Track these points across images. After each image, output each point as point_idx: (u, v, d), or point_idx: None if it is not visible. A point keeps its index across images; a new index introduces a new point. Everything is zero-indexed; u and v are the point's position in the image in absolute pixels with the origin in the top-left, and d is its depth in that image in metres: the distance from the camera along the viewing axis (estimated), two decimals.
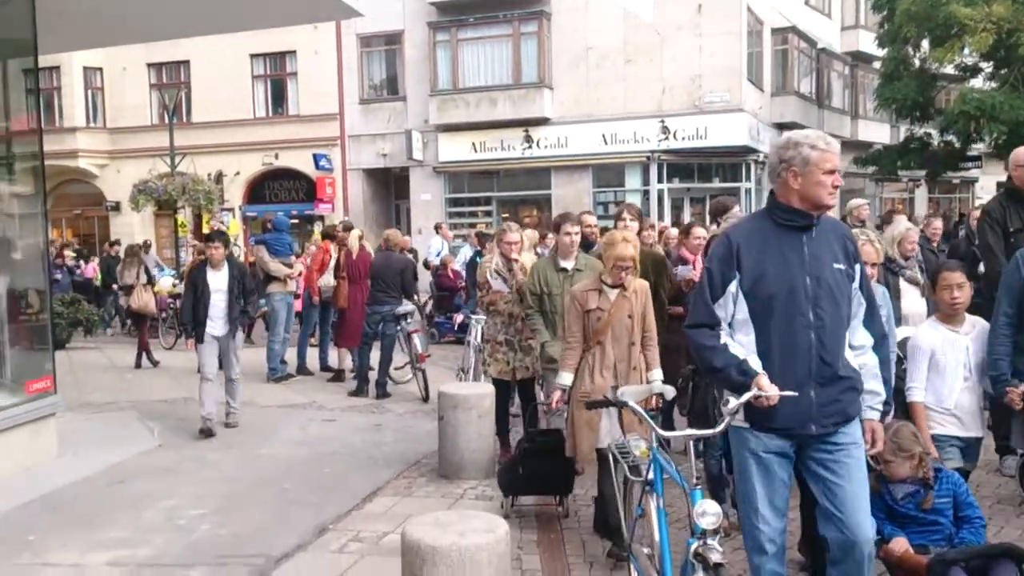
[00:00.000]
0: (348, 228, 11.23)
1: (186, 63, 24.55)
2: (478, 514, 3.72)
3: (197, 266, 8.55)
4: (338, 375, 10.60)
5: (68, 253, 19.78)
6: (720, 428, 3.36)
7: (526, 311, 6.25)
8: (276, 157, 24.49)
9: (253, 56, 24.22)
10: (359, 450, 7.40)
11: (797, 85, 24.24)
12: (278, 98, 25.02)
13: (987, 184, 30.39)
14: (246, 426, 8.35)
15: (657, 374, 5.04)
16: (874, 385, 3.45)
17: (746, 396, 3.18)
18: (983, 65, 22.56)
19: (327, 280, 10.82)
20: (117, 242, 18.18)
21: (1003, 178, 25.63)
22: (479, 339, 8.22)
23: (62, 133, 24.56)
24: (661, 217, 20.39)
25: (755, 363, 3.26)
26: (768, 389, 3.17)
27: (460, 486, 6.19)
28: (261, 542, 5.31)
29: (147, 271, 12.52)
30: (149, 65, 25.03)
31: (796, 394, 3.18)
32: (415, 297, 10.53)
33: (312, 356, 11.25)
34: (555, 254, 6.27)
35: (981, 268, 6.78)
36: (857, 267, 3.42)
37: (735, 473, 3.56)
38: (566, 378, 5.03)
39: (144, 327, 12.32)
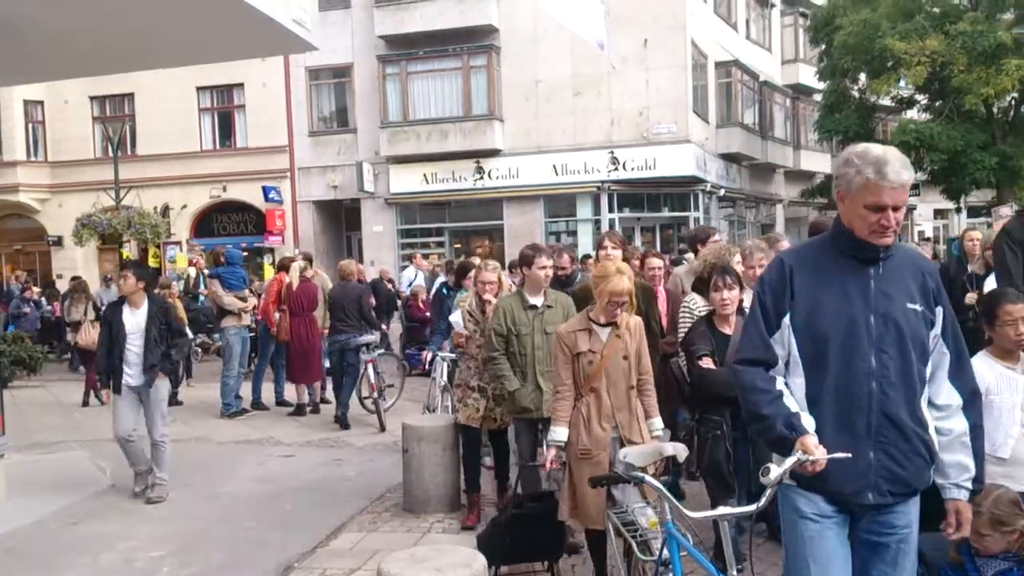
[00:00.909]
0: (288, 262, 10.99)
1: (130, 95, 24.22)
2: (454, 548, 3.70)
3: (112, 304, 7.39)
4: (298, 409, 10.46)
5: (35, 288, 19.26)
6: (763, 503, 2.82)
7: (490, 354, 5.59)
8: (224, 190, 24.24)
9: (200, 88, 23.98)
10: (320, 486, 7.30)
11: (741, 116, 24.84)
12: (226, 130, 24.80)
13: (924, 211, 31.40)
14: (202, 464, 8.17)
15: (657, 423, 4.59)
16: (962, 457, 2.84)
17: (789, 462, 2.65)
18: (919, 97, 23.39)
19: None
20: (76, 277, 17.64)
21: (939, 206, 26.58)
22: (444, 378, 8.10)
23: (1, 167, 24.01)
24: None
25: (807, 422, 2.73)
26: (815, 452, 2.63)
27: (426, 520, 6.14)
28: None
29: (95, 306, 12.21)
30: (92, 98, 24.64)
31: (849, 455, 2.65)
32: (381, 325, 10.62)
33: (267, 391, 11.10)
34: (522, 290, 5.70)
35: (969, 297, 6.95)
36: (939, 310, 2.86)
37: (783, 541, 3.00)
38: (560, 433, 4.45)
39: (91, 364, 11.97)
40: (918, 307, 2.81)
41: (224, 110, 24.76)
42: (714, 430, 4.56)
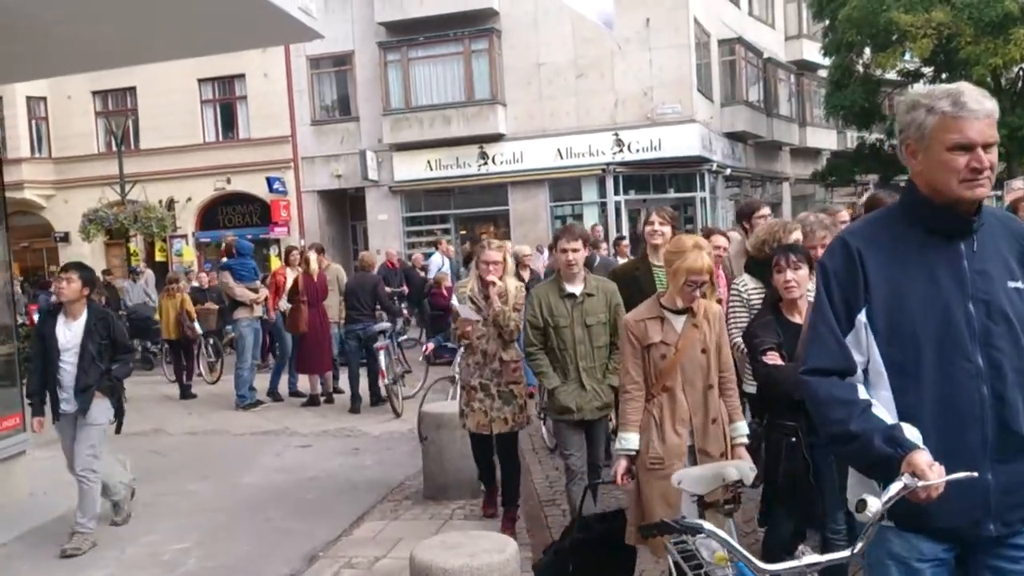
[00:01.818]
0: (295, 254, 11.01)
1: (132, 90, 24.17)
2: (485, 534, 3.72)
3: (45, 313, 6.41)
4: (312, 400, 10.48)
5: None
6: (859, 547, 2.21)
7: (527, 349, 5.10)
8: (228, 182, 24.21)
9: (201, 81, 23.94)
10: (340, 475, 7.31)
11: (746, 95, 24.69)
12: (228, 122, 24.75)
13: None
14: (220, 456, 8.21)
15: (742, 428, 3.97)
16: None
17: (895, 489, 2.04)
18: (925, 70, 23.24)
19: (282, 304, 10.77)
20: (109, 271, 17.56)
21: None
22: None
23: (6, 164, 23.88)
24: (619, 229, 20.60)
25: (912, 433, 2.12)
26: (929, 473, 2.02)
27: (448, 506, 6.15)
28: (250, 573, 5.22)
29: (108, 302, 12.21)
30: (94, 93, 24.63)
31: (974, 475, 2.08)
32: (400, 312, 10.87)
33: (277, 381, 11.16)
34: (558, 277, 5.15)
35: None
36: None
37: None
38: (631, 440, 3.86)
39: None
40: (1020, 284, 2.24)
41: (226, 101, 24.70)
42: (787, 436, 3.87)
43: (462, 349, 5.81)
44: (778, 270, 3.98)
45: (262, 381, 11.06)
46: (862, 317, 2.25)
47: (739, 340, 4.41)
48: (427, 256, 17.96)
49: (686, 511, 3.47)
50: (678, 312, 3.88)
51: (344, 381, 10.83)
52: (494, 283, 5.36)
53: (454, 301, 5.72)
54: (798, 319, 3.97)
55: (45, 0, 6.57)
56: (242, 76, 23.78)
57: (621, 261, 9.81)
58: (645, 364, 3.88)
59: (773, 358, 3.87)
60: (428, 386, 8.46)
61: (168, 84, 22.79)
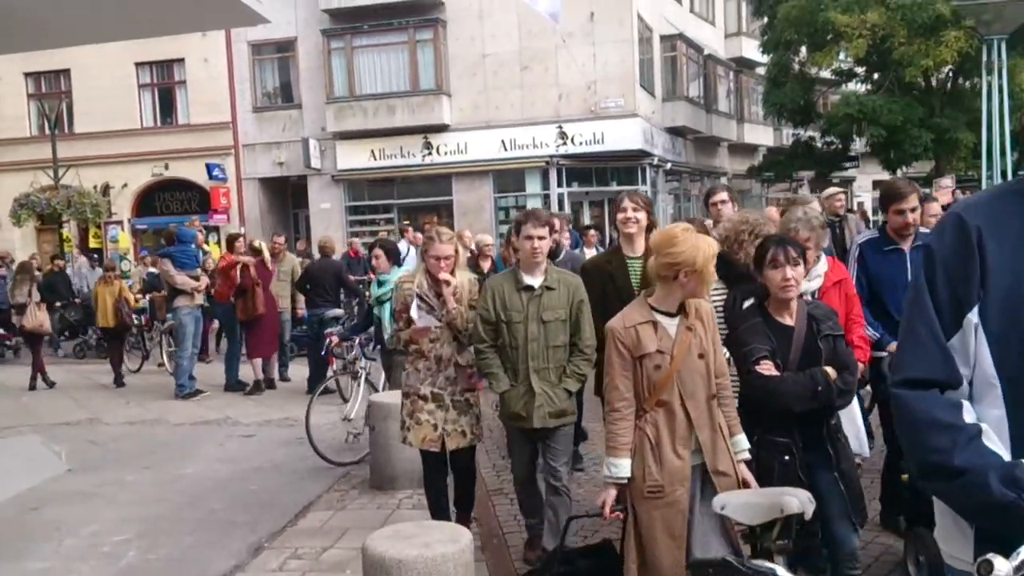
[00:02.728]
0: (236, 240, 11.10)
1: (66, 72, 23.51)
2: (438, 524, 3.74)
3: None
4: (257, 386, 10.43)
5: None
6: None
7: (476, 346, 4.61)
8: (166, 167, 23.69)
9: (139, 64, 23.35)
10: (284, 464, 7.28)
11: (686, 90, 25.06)
12: (167, 107, 24.22)
13: (863, 182, 32.13)
14: (160, 446, 8.10)
15: (742, 442, 3.47)
16: None
17: None
18: (858, 70, 23.85)
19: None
20: (57, 256, 16.96)
21: (878, 176, 26.90)
22: (362, 363, 7.86)
23: None
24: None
25: None
26: None
27: (395, 496, 6.16)
28: (195, 566, 5.19)
29: (39, 288, 11.91)
30: (26, 74, 23.82)
31: None
32: (359, 296, 11.02)
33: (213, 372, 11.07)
34: (517, 267, 4.67)
35: None
36: None
37: None
38: (622, 466, 3.33)
39: (39, 347, 11.76)
40: None
41: (165, 86, 24.16)
42: (780, 455, 3.46)
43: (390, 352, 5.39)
44: (774, 265, 3.50)
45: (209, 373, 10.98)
46: (973, 316, 1.76)
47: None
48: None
49: (716, 544, 3.24)
50: (671, 314, 3.38)
51: (292, 370, 10.89)
52: (448, 282, 4.76)
53: (407, 303, 4.91)
54: (789, 320, 3.57)
55: None
56: (181, 60, 23.29)
57: (589, 254, 9.68)
58: (636, 376, 3.34)
59: (767, 367, 3.45)
60: (323, 384, 8.36)
61: (104, 67, 22.24)
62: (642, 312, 3.40)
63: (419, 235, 15.07)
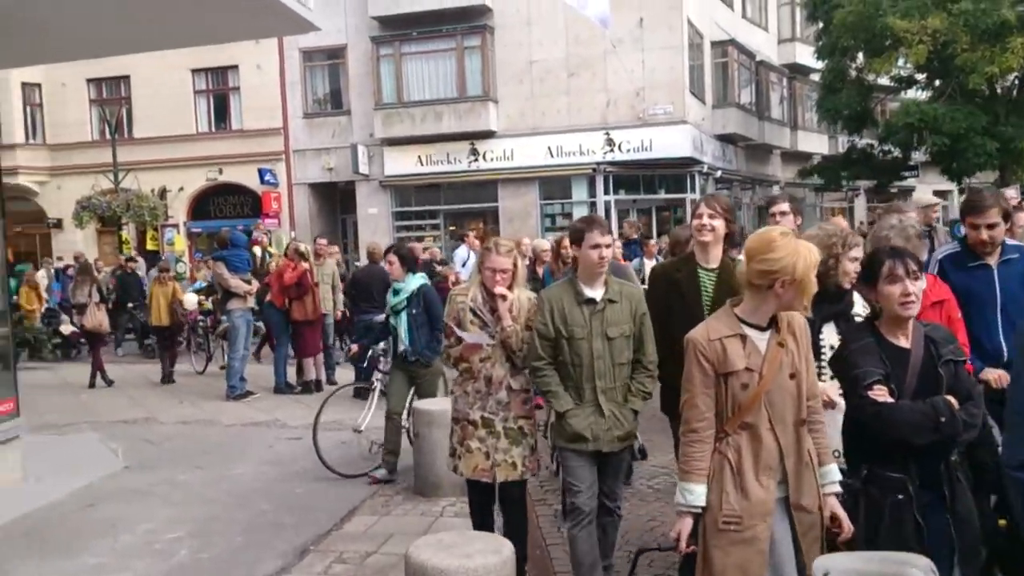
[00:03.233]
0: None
1: (126, 78, 24.17)
2: (481, 535, 3.78)
3: None
4: (307, 386, 10.73)
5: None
6: None
7: (533, 364, 4.29)
8: (220, 172, 24.22)
9: (195, 71, 23.95)
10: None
11: (738, 97, 24.84)
12: (221, 113, 24.76)
13: (923, 193, 31.57)
14: (212, 446, 8.30)
15: (833, 473, 3.11)
16: None
17: None
18: (919, 76, 23.32)
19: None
20: (132, 259, 17.33)
21: (940, 187, 26.44)
22: (377, 376, 7.60)
23: (1, 150, 23.94)
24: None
25: None
26: None
27: (438, 503, 6.24)
28: (243, 566, 5.31)
29: (99, 289, 12.28)
30: (89, 80, 24.61)
31: None
32: None
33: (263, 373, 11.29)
34: (575, 278, 4.33)
35: None
36: None
37: None
38: (698, 494, 3.00)
39: (98, 346, 12.12)
40: None
41: (219, 92, 24.71)
42: (893, 493, 3.08)
43: (455, 374, 4.73)
44: (891, 280, 3.15)
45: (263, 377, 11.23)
46: None
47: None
48: (453, 248, 17.46)
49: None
50: (761, 328, 3.05)
51: (339, 374, 11.14)
52: (504, 296, 4.43)
53: (458, 318, 4.56)
54: (904, 343, 3.19)
55: None
56: (235, 67, 23.80)
57: (649, 266, 9.53)
58: (719, 395, 3.02)
59: (882, 394, 3.07)
60: (335, 391, 8.09)
61: (162, 74, 22.82)
62: (729, 324, 3.05)
63: (476, 241, 15.02)
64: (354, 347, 8.02)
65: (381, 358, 7.59)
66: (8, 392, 7.07)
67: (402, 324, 6.77)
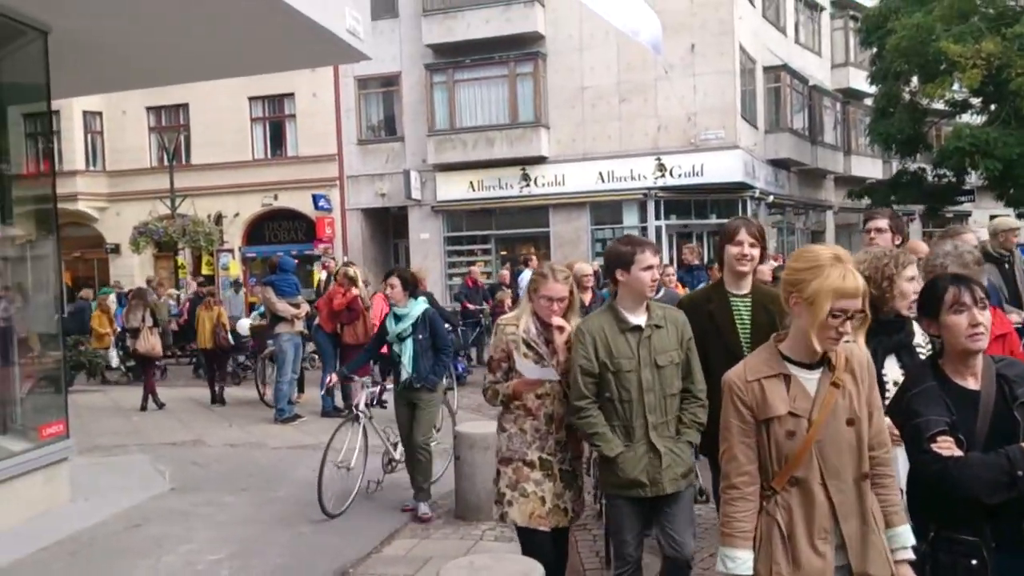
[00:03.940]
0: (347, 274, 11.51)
1: (185, 106, 24.80)
2: (514, 558, 3.73)
3: None
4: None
5: (171, 291, 19.02)
6: None
7: (576, 403, 3.82)
8: (275, 198, 24.65)
9: (252, 99, 24.45)
10: (372, 491, 7.37)
11: (790, 122, 24.56)
12: (277, 140, 25.23)
13: (980, 218, 30.82)
14: (258, 469, 8.33)
15: (904, 537, 2.67)
16: None
17: None
18: (973, 100, 22.94)
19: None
20: (205, 283, 17.58)
21: (996, 212, 25.90)
22: (362, 406, 6.98)
23: (62, 177, 24.60)
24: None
25: None
26: None
27: (478, 527, 6.18)
28: None
29: (152, 314, 12.52)
30: (148, 108, 25.29)
31: None
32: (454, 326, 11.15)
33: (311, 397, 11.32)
34: (614, 303, 3.93)
35: None
36: None
37: None
38: (741, 561, 2.62)
39: (151, 370, 12.35)
40: None
41: (275, 120, 25.20)
42: (966, 558, 2.70)
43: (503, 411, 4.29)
44: (957, 309, 2.76)
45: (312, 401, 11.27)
46: None
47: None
48: (518, 273, 17.37)
49: None
50: (809, 366, 2.62)
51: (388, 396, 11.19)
52: (562, 328, 4.05)
53: (512, 353, 4.13)
54: (972, 383, 2.78)
55: (105, 19, 6.85)
56: (291, 95, 24.27)
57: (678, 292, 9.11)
58: (762, 445, 2.62)
59: (948, 446, 2.67)
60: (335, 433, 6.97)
61: (220, 101, 23.34)
62: (770, 362, 2.65)
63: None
64: (333, 377, 7.57)
65: (365, 390, 7.13)
66: (59, 414, 7.17)
67: (407, 351, 6.56)
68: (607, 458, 3.75)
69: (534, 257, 17.24)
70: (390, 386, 7.07)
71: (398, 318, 6.66)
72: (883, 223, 4.71)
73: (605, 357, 3.77)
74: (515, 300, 13.39)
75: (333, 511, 6.53)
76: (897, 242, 4.69)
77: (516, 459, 4.12)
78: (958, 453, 2.64)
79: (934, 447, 2.66)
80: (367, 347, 7.56)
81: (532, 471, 4.08)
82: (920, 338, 3.40)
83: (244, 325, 13.84)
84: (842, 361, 2.60)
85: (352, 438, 6.82)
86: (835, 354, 2.60)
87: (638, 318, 3.82)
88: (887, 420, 3.02)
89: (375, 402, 7.49)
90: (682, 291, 9.53)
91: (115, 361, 15.06)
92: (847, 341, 2.59)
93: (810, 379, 2.61)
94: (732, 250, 4.17)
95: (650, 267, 3.81)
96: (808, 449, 2.55)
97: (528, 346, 4.10)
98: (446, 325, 7.63)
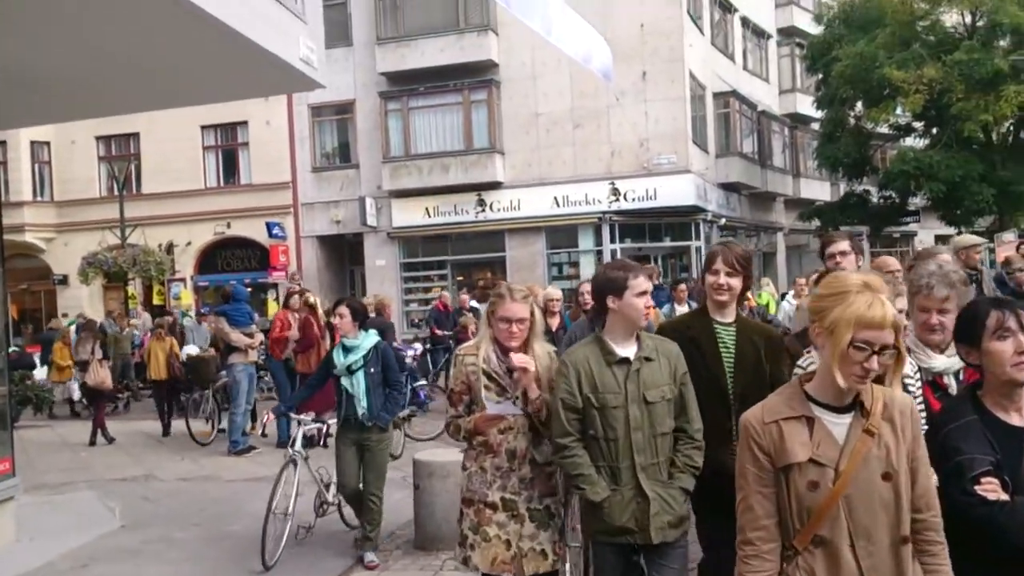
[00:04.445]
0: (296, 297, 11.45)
1: (136, 135, 24.50)
2: None
3: None
4: (310, 442, 10.53)
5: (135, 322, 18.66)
6: None
7: (559, 440, 3.52)
8: (228, 226, 24.40)
9: (204, 127, 24.21)
10: (330, 523, 7.25)
11: (740, 146, 25.01)
12: (230, 168, 25.00)
13: (926, 238, 31.61)
14: (211, 503, 8.18)
15: None
16: None
17: None
18: (916, 124, 23.61)
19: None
20: (168, 312, 17.24)
21: (941, 232, 26.52)
22: (296, 468, 6.38)
23: (7, 208, 24.17)
24: None
25: None
26: None
27: (439, 557, 6.13)
28: None
29: (103, 346, 12.29)
30: (98, 138, 24.90)
31: None
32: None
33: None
34: (602, 335, 3.61)
35: None
36: None
37: None
38: None
39: (101, 403, 12.08)
40: None
41: (228, 148, 24.99)
42: None
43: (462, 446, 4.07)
44: (1000, 335, 2.53)
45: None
46: None
47: None
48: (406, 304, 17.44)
49: None
50: (838, 408, 2.30)
51: None
52: (525, 369, 3.71)
53: (471, 383, 3.87)
54: (1017, 419, 2.54)
55: (52, 50, 6.76)
56: (244, 123, 24.10)
57: (681, 311, 9.10)
58: (782, 497, 2.30)
59: (993, 488, 2.41)
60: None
61: (171, 130, 23.11)
62: (792, 401, 2.33)
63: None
64: (270, 416, 7.08)
65: (301, 428, 6.69)
66: (4, 452, 6.99)
67: (359, 385, 6.13)
68: (592, 502, 3.44)
69: (535, 285, 16.67)
70: (332, 420, 6.65)
71: (347, 350, 6.27)
72: (845, 245, 4.63)
73: (589, 391, 3.47)
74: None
75: (269, 561, 6.08)
76: (860, 263, 4.69)
77: (477, 500, 3.85)
78: (1004, 497, 2.39)
79: (978, 489, 2.40)
80: (308, 382, 7.07)
81: (495, 513, 3.79)
82: (909, 368, 3.12)
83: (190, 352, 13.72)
84: (879, 406, 2.27)
85: (289, 482, 6.33)
86: (869, 396, 2.28)
87: (627, 350, 3.53)
88: None
89: (322, 442, 7.08)
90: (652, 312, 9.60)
91: (76, 394, 14.70)
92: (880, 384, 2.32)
93: (838, 424, 2.27)
94: (709, 279, 3.91)
95: (644, 293, 3.54)
96: (834, 504, 2.21)
97: (489, 377, 3.82)
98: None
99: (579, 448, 3.47)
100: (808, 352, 3.33)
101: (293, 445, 6.52)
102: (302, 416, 6.76)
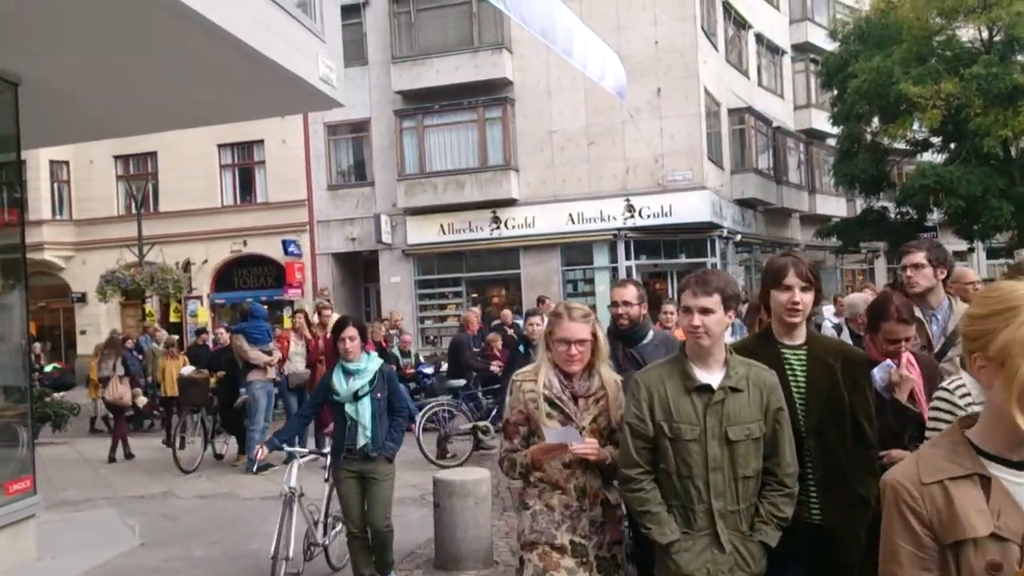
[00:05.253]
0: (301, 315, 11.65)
1: (153, 154, 24.71)
2: None
3: None
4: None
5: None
6: None
7: (625, 471, 3.13)
8: (244, 244, 24.53)
9: (221, 146, 24.43)
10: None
11: (755, 162, 24.98)
12: (246, 186, 25.17)
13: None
14: (229, 521, 8.17)
15: None
16: None
17: None
18: (933, 139, 23.50)
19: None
20: (204, 330, 16.96)
21: (957, 247, 26.42)
22: (293, 482, 5.89)
23: (27, 226, 24.28)
24: None
25: None
26: None
27: None
28: None
29: (124, 363, 12.34)
30: (116, 157, 25.16)
31: None
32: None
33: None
34: (683, 355, 3.18)
35: None
36: None
37: None
38: None
39: (121, 420, 12.13)
40: None
41: (245, 166, 25.16)
42: None
43: (518, 481, 3.64)
44: None
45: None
46: None
47: None
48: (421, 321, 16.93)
49: None
50: (1017, 464, 1.70)
51: None
52: (594, 454, 3.32)
53: (532, 414, 3.46)
54: None
55: (73, 71, 6.84)
56: (261, 142, 24.26)
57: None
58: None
59: None
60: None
61: (188, 149, 23.29)
62: (956, 454, 1.73)
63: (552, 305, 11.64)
64: (263, 451, 6.05)
65: (295, 461, 6.16)
66: (26, 470, 7.00)
67: (365, 412, 5.63)
68: (658, 544, 3.04)
69: (546, 300, 15.20)
70: (326, 450, 6.28)
71: (348, 373, 5.72)
72: (920, 257, 4.15)
73: (662, 419, 3.05)
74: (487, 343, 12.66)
75: None
76: (942, 275, 4.24)
77: (543, 542, 3.37)
78: None
79: None
80: (300, 411, 6.62)
81: (563, 557, 3.32)
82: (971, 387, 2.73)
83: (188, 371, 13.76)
84: None
85: (287, 523, 5.83)
86: None
87: (711, 376, 3.07)
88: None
89: (326, 475, 6.46)
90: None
91: (104, 410, 14.78)
92: None
93: (1020, 484, 1.68)
94: (780, 297, 3.30)
95: (689, 310, 3.10)
96: None
97: (551, 404, 3.41)
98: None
99: (648, 482, 3.08)
100: (949, 375, 2.73)
101: (288, 483, 5.99)
102: (296, 448, 6.37)
